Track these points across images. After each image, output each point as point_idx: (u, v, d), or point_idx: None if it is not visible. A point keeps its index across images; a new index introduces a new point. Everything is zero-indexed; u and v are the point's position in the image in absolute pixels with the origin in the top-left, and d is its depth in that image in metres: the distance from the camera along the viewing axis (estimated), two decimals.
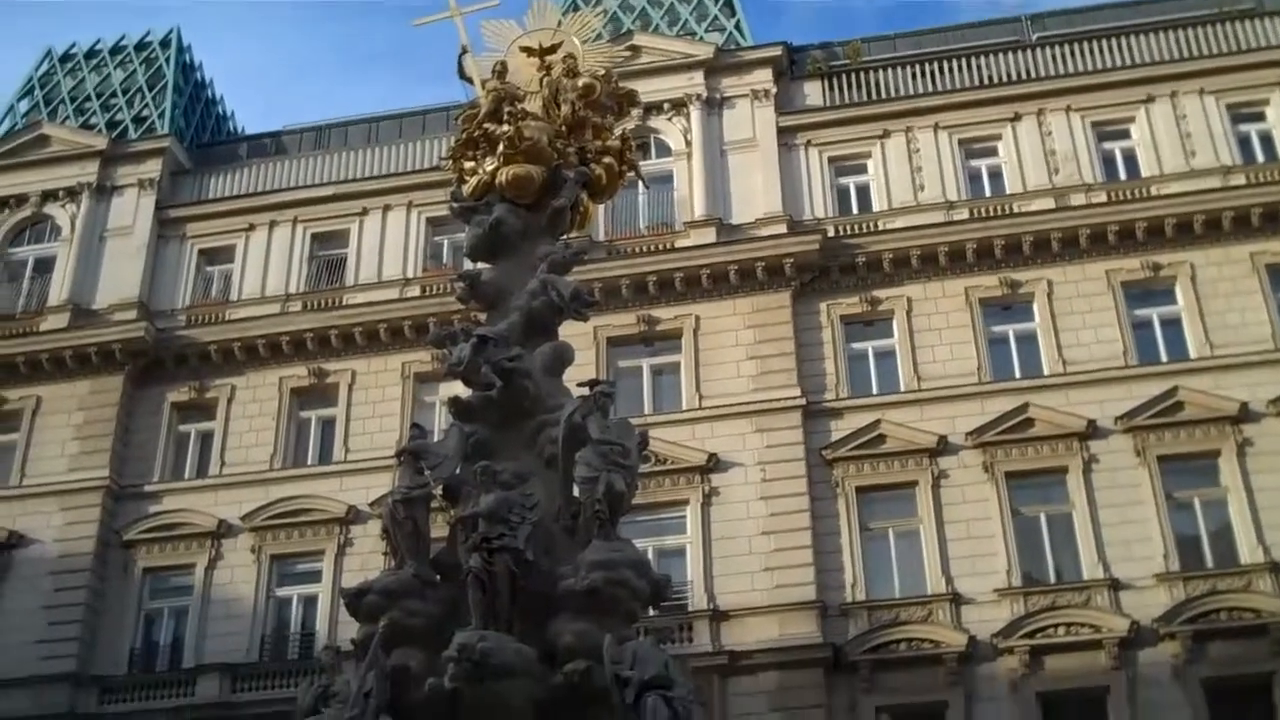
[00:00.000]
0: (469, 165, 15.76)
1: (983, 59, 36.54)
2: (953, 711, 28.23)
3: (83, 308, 36.22)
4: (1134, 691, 27.73)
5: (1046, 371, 31.53)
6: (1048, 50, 36.22)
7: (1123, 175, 33.94)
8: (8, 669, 31.63)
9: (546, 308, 14.50)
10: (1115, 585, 28.74)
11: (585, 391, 13.83)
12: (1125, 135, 34.39)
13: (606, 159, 15.89)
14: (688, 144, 35.44)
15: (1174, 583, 28.61)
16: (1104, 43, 35.90)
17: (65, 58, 43.24)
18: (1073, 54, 35.90)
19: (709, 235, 33.99)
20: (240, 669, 31.29)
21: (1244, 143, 33.79)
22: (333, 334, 34.75)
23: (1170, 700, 27.55)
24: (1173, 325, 31.81)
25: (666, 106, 35.64)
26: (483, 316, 15.16)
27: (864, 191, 34.95)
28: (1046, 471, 30.45)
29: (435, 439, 14.51)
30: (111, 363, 35.14)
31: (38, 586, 32.68)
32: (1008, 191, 34.05)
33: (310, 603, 32.25)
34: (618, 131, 16.35)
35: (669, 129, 35.78)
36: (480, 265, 15.54)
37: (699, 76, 36.09)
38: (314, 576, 32.36)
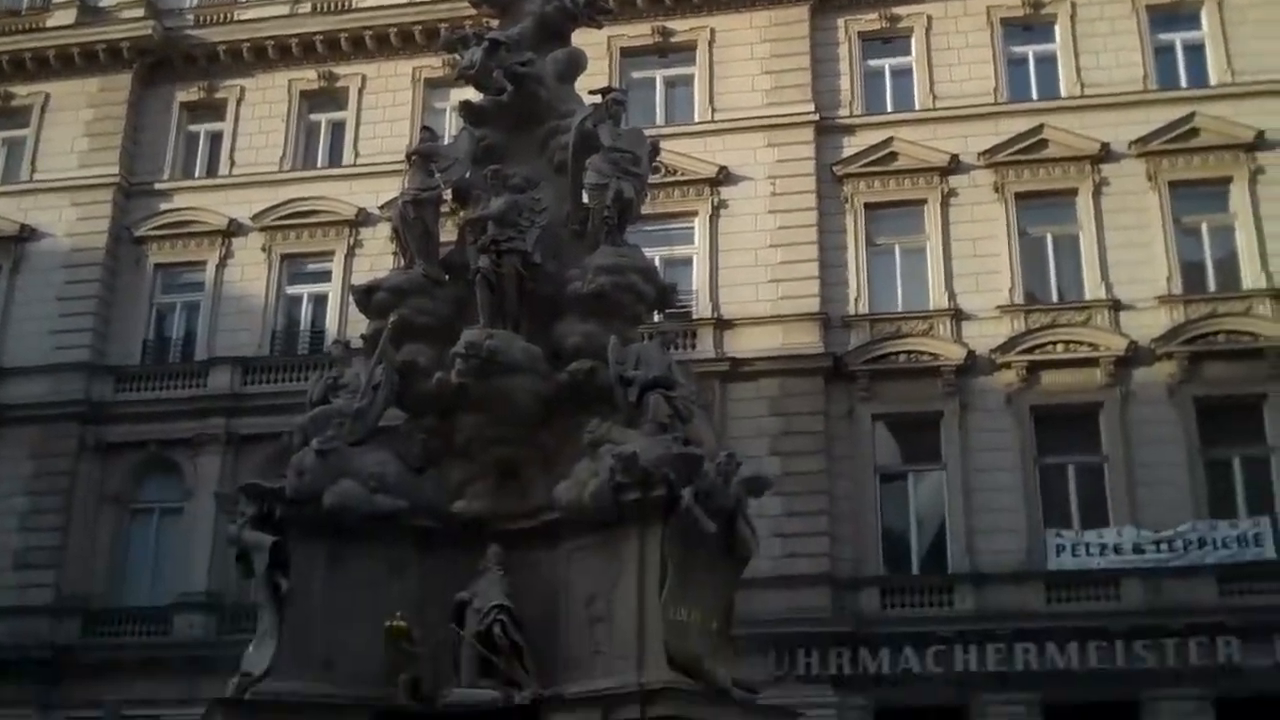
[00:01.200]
0: None
1: None
2: (947, 421, 28.84)
3: (89, 4, 35.60)
4: (1126, 408, 28.27)
5: (1064, 94, 31.15)
6: None
7: None
8: (24, 357, 32.41)
9: (559, 13, 14.33)
10: (1116, 306, 29.01)
11: (598, 99, 13.77)
12: None
13: None
14: None
15: (1175, 305, 28.89)
16: None
17: None
18: None
19: None
20: (251, 362, 31.87)
21: None
22: (342, 37, 34.25)
23: (1161, 417, 28.09)
24: (1195, 51, 31.24)
25: None
26: (495, 21, 14.98)
27: None
28: (1056, 193, 30.38)
29: (446, 143, 14.52)
30: (119, 61, 34.76)
31: (50, 279, 33.10)
32: None
33: (320, 301, 32.64)
34: None
35: None
36: None
37: None
38: (324, 276, 32.69)
